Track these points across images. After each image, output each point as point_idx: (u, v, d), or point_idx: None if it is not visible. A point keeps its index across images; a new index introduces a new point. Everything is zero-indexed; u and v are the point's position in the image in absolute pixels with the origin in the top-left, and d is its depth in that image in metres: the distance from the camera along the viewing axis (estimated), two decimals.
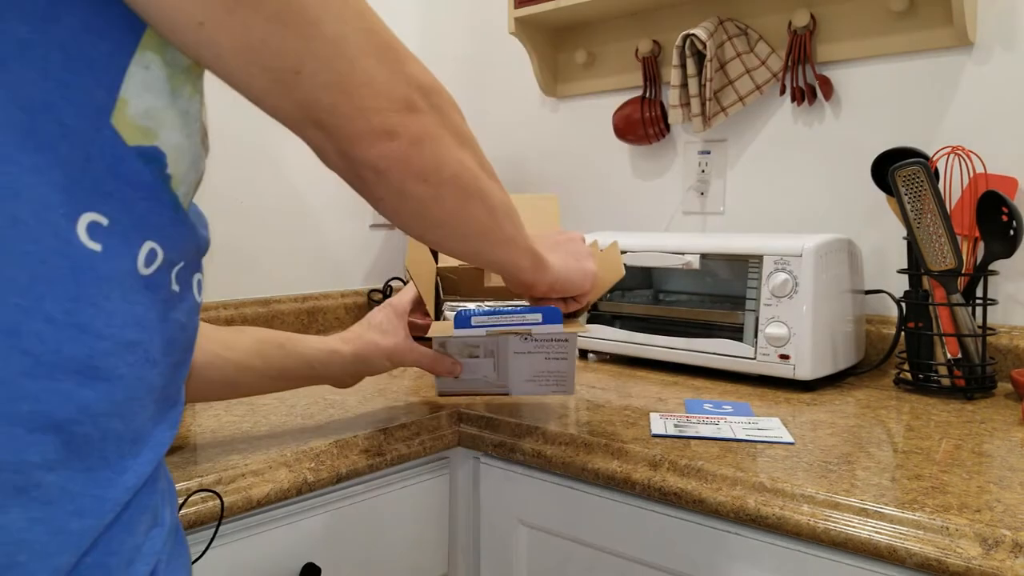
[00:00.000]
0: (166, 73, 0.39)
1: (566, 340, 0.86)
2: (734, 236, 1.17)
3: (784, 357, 1.04)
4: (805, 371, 1.03)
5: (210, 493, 0.70)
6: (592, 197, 1.61)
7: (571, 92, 1.63)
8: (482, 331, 0.80)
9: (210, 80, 0.44)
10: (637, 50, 1.48)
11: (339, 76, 0.44)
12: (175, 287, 0.42)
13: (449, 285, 0.93)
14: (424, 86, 0.49)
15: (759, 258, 1.08)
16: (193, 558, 0.67)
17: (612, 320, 1.24)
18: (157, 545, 0.42)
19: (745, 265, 1.10)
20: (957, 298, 1.04)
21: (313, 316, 1.52)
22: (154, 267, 0.40)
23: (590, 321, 1.26)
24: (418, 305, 0.87)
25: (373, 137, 0.47)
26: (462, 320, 0.80)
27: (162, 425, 0.43)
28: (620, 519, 0.81)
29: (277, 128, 0.53)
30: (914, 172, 1.02)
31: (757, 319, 1.07)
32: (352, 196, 1.63)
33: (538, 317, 0.79)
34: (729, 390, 1.06)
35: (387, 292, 1.63)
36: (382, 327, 0.84)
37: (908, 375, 1.07)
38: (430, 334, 0.81)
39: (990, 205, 1.04)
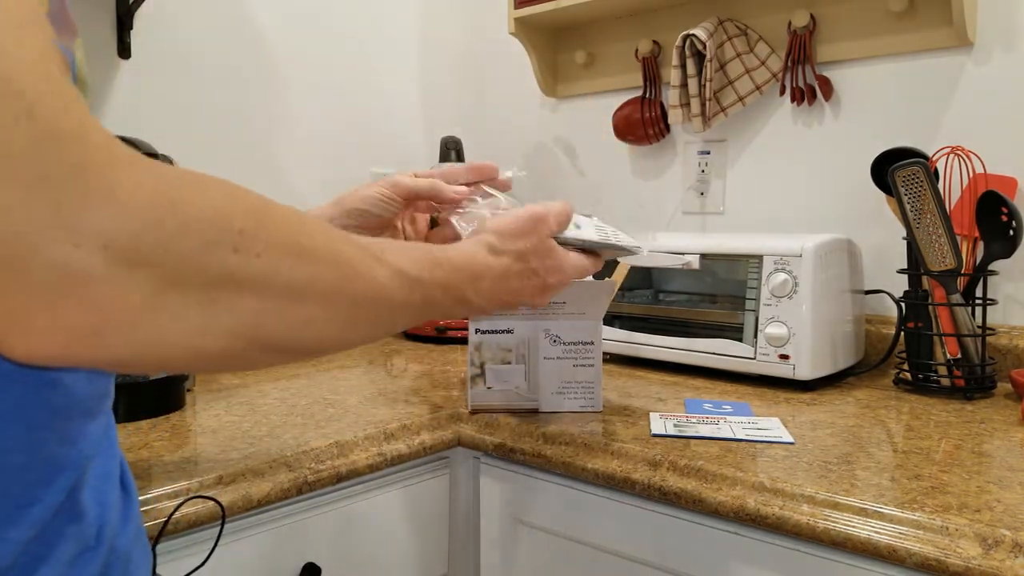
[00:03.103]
0: None
1: (592, 343, 0.93)
2: (734, 236, 1.17)
3: (784, 357, 1.04)
4: (805, 371, 1.03)
5: (211, 500, 0.70)
6: (592, 197, 1.61)
7: (571, 92, 1.63)
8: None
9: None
10: (637, 50, 1.48)
11: None
12: None
13: None
14: (125, 233, 0.30)
15: (759, 258, 1.08)
16: (195, 564, 0.67)
17: (612, 320, 1.24)
18: (91, 569, 0.40)
19: (745, 265, 1.10)
20: (957, 298, 1.04)
21: None
22: None
23: None
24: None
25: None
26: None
27: (82, 442, 0.39)
28: (620, 519, 0.81)
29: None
30: (914, 172, 1.02)
31: (757, 319, 1.07)
32: None
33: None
34: (729, 390, 1.06)
35: None
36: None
37: (908, 375, 1.07)
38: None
39: (990, 205, 1.04)
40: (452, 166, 0.78)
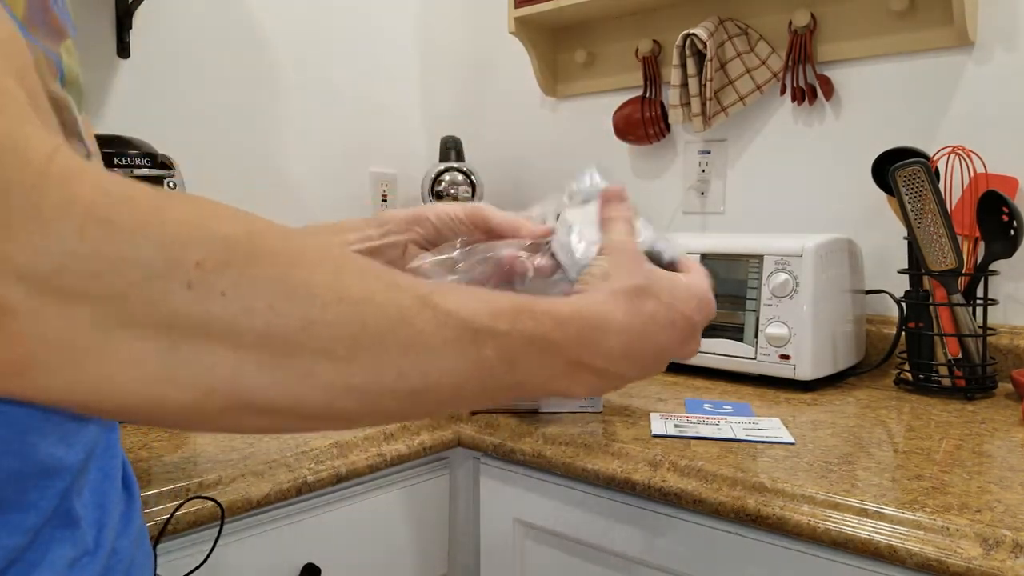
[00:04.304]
0: None
1: None
2: (734, 236, 1.17)
3: (784, 357, 1.04)
4: (805, 371, 1.03)
5: (210, 501, 0.70)
6: None
7: (571, 92, 1.63)
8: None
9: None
10: (637, 50, 1.48)
11: None
12: None
13: None
14: (48, 262, 0.26)
15: (759, 258, 1.08)
16: (194, 565, 0.67)
17: None
18: (90, 574, 0.39)
19: (745, 265, 1.09)
20: (958, 298, 1.04)
21: None
22: None
23: None
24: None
25: None
26: None
27: (77, 445, 0.38)
28: (620, 519, 0.80)
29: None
30: (914, 172, 1.02)
31: (757, 319, 1.07)
32: (352, 196, 1.63)
33: None
34: (729, 390, 1.06)
35: None
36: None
37: (908, 375, 1.07)
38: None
39: (990, 205, 1.04)
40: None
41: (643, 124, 1.47)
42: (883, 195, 1.14)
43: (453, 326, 0.36)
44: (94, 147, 0.41)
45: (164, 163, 1.00)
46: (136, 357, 0.28)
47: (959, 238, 1.03)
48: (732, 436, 0.83)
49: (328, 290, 0.32)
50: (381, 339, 0.34)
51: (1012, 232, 1.02)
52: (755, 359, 1.07)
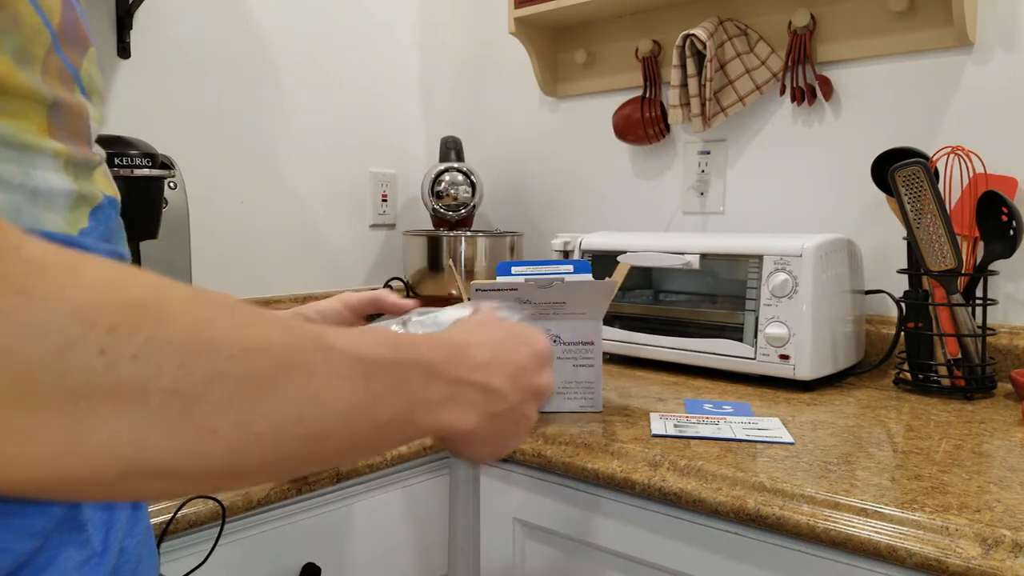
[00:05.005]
0: None
1: (592, 343, 0.93)
2: (734, 236, 1.17)
3: (784, 357, 1.04)
4: (805, 371, 1.03)
5: (211, 500, 0.70)
6: (592, 197, 1.61)
7: (571, 92, 1.63)
8: (521, 279, 0.84)
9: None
10: (637, 50, 1.48)
11: None
12: None
13: None
14: None
15: (759, 258, 1.08)
16: (195, 564, 0.67)
17: (612, 320, 1.24)
18: (98, 575, 0.39)
19: (745, 265, 1.10)
20: (957, 298, 1.04)
21: None
22: None
23: None
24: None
25: None
26: (502, 268, 0.86)
27: None
28: (620, 519, 0.81)
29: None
30: (914, 172, 1.02)
31: (757, 319, 1.07)
32: (352, 196, 1.63)
33: (570, 268, 0.88)
34: (729, 390, 1.06)
35: None
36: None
37: (908, 375, 1.07)
38: (473, 283, 0.85)
39: (990, 205, 1.04)
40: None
41: (643, 124, 1.47)
42: (883, 195, 1.14)
43: (345, 363, 0.37)
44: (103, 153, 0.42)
45: (164, 163, 1.00)
46: (37, 430, 0.28)
47: (959, 238, 1.04)
48: (732, 436, 0.83)
49: (231, 343, 0.33)
50: (281, 384, 0.34)
51: (1012, 232, 1.02)
52: (755, 359, 1.07)
